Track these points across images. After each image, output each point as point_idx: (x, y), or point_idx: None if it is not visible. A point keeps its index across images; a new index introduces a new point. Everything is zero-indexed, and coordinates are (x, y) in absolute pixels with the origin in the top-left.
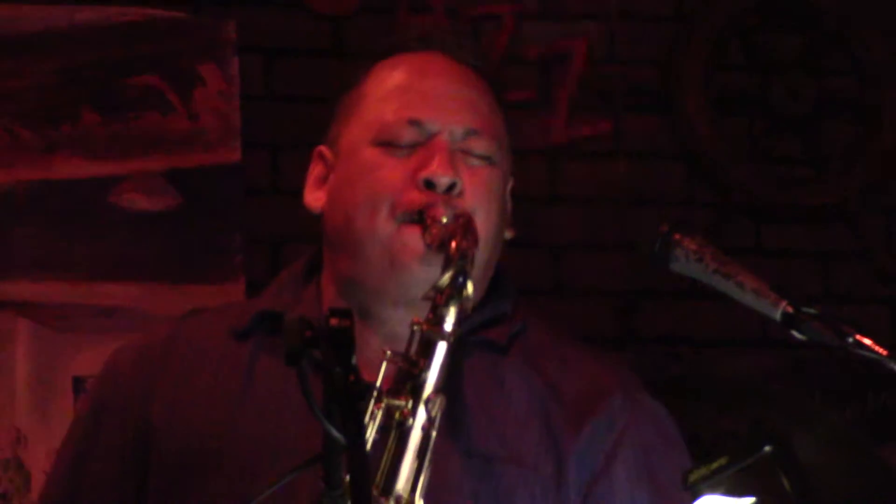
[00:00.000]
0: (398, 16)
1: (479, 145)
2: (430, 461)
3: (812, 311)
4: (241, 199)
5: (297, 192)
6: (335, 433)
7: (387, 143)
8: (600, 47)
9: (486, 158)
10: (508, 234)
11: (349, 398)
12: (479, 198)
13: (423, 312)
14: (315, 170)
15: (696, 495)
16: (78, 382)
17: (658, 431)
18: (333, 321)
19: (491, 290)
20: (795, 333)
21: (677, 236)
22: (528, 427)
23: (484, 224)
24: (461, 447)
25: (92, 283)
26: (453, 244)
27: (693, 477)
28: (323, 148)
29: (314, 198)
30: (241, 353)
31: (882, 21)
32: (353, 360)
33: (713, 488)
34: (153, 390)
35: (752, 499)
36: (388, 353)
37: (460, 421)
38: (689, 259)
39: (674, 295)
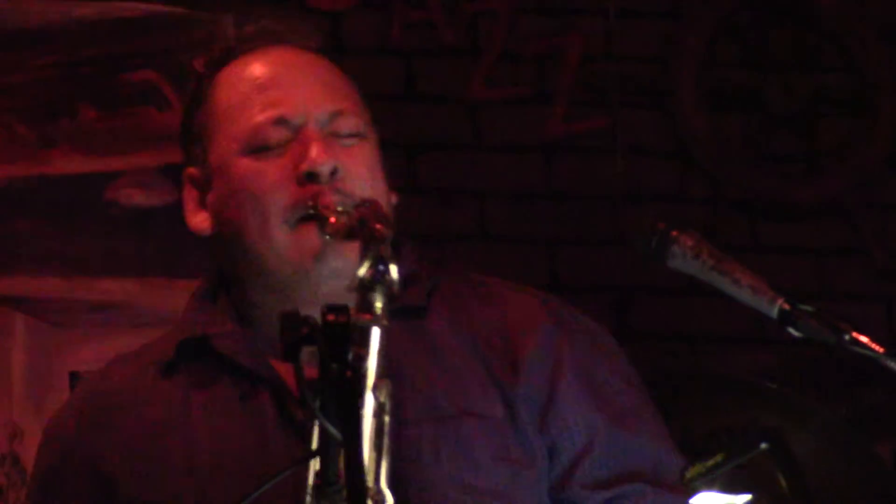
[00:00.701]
0: (394, 11)
1: (347, 124)
2: (389, 447)
3: (808, 308)
4: None
5: None
6: (331, 429)
7: (258, 150)
8: (596, 43)
9: (357, 135)
10: (394, 199)
11: (345, 394)
12: (361, 175)
13: (344, 302)
14: (189, 194)
15: (692, 492)
16: (74, 377)
17: (591, 346)
18: (330, 317)
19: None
20: (792, 330)
21: (674, 233)
22: (469, 378)
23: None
24: (411, 416)
25: (89, 279)
26: (366, 230)
27: (689, 474)
28: (192, 170)
29: (198, 220)
30: (172, 389)
31: (877, 17)
32: (350, 356)
33: (709, 485)
34: (105, 441)
35: (748, 496)
36: None
37: (405, 392)
38: (686, 255)
39: (670, 291)
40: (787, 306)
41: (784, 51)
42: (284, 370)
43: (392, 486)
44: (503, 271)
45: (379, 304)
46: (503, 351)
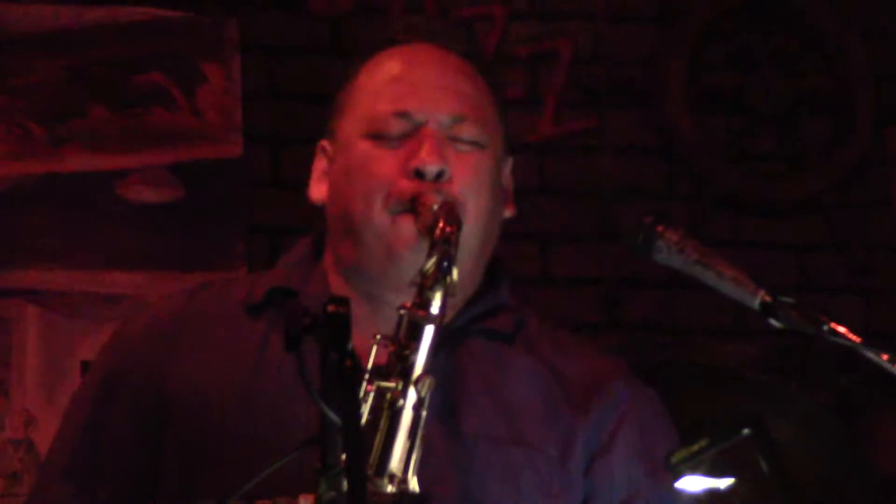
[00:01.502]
0: (391, 16)
1: (467, 131)
2: (422, 440)
3: (788, 300)
4: (242, 192)
5: (297, 185)
6: (332, 415)
7: (377, 136)
8: (586, 47)
9: (475, 143)
10: (508, 213)
11: (345, 382)
12: (469, 183)
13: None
14: (319, 164)
15: (678, 475)
16: (85, 367)
17: (654, 413)
18: (331, 308)
19: (488, 279)
20: (773, 321)
21: (660, 228)
22: (533, 410)
23: (475, 207)
24: (469, 431)
25: (99, 272)
26: (437, 230)
27: (675, 458)
28: (325, 142)
29: (317, 190)
30: (254, 329)
31: (856, 23)
32: (350, 346)
33: (694, 469)
34: (168, 364)
35: (731, 479)
36: (378, 336)
37: (468, 407)
38: (672, 250)
39: (656, 284)
40: (768, 298)
41: (767, 55)
42: (359, 341)
43: (439, 495)
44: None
45: (436, 303)
46: (574, 393)
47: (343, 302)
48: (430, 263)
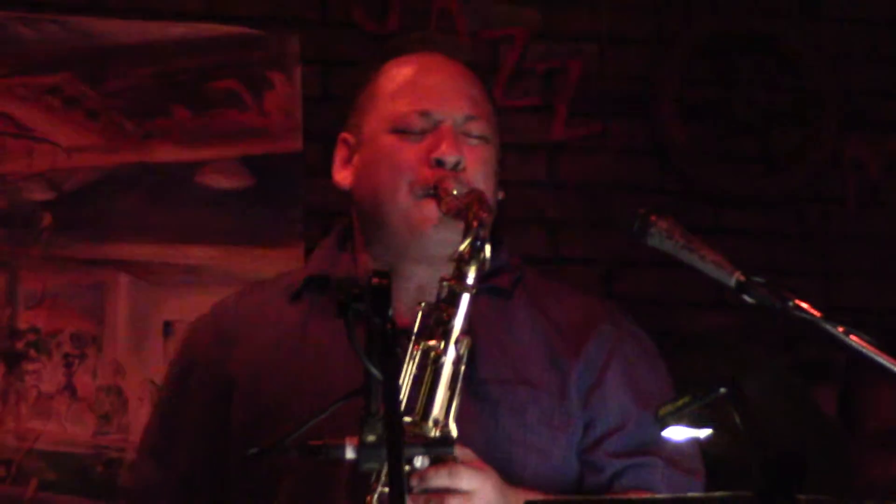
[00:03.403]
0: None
1: (477, 128)
2: (461, 390)
3: (760, 279)
4: (301, 181)
5: None
6: (374, 370)
7: (401, 131)
8: (593, 64)
9: (483, 138)
10: (500, 195)
11: (386, 342)
12: (479, 171)
13: (442, 268)
14: (340, 153)
15: (665, 426)
16: (167, 325)
17: (639, 348)
18: (375, 280)
19: (491, 244)
20: (746, 298)
21: (653, 217)
22: (534, 354)
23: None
24: (481, 376)
25: (180, 246)
26: (471, 214)
27: (662, 412)
28: (346, 134)
29: (342, 177)
30: (295, 313)
31: (823, 46)
32: (390, 312)
33: (678, 421)
34: (229, 351)
35: (709, 430)
36: (423, 304)
37: (478, 355)
38: (662, 236)
39: (648, 264)
40: (742, 278)
41: (748, 72)
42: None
43: (462, 429)
44: (513, 247)
45: (471, 276)
46: (568, 337)
47: (385, 275)
48: (466, 243)
